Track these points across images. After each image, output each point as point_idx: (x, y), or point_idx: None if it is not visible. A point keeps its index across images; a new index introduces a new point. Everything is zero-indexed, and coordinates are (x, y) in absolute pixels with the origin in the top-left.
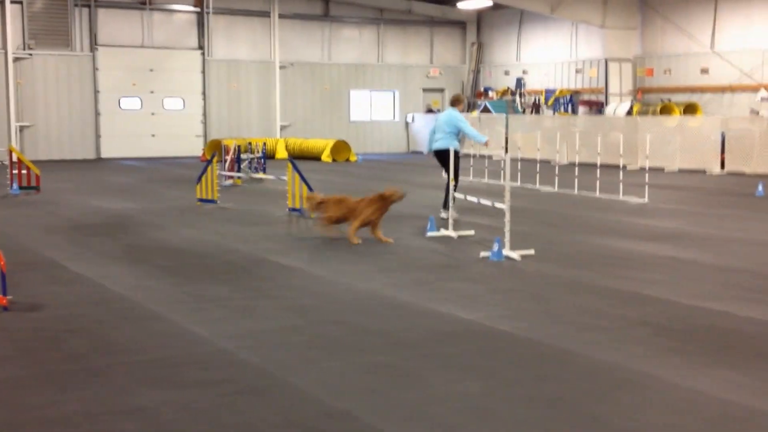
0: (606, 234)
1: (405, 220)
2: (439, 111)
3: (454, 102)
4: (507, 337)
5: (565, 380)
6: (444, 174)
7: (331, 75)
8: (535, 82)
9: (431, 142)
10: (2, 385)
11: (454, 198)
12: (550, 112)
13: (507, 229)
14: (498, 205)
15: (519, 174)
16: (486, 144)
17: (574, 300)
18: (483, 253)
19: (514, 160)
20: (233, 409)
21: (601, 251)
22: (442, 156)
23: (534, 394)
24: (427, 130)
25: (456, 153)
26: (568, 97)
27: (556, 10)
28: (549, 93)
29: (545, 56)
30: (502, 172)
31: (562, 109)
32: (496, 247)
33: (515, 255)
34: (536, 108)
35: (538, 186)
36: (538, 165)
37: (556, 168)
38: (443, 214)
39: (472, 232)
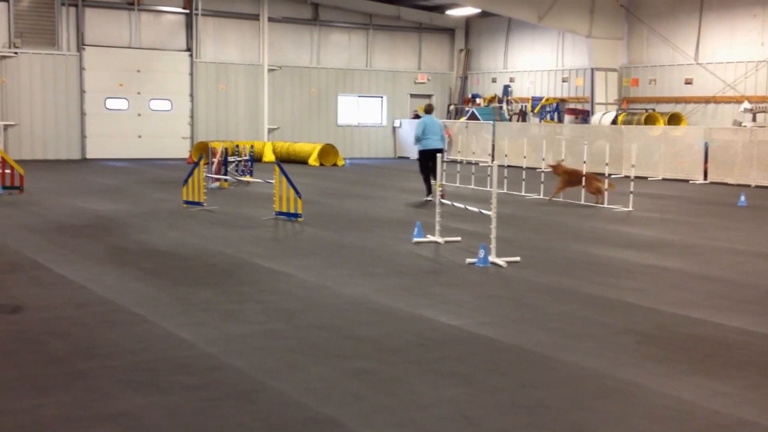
0: (591, 242)
1: (391, 225)
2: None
3: (431, 110)
4: (491, 344)
5: (549, 387)
6: (432, 180)
7: (320, 79)
8: (522, 90)
9: (425, 142)
10: None
11: (433, 188)
12: (537, 119)
13: (493, 235)
14: (484, 211)
15: (505, 181)
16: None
17: (559, 307)
18: (469, 260)
19: (500, 167)
20: (216, 414)
21: (586, 259)
22: (435, 154)
23: (518, 400)
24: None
25: (442, 151)
26: (555, 106)
27: (544, 18)
28: (536, 101)
29: (532, 64)
30: (488, 178)
31: (548, 117)
32: (482, 254)
33: (501, 261)
34: (523, 116)
35: (524, 193)
36: (524, 172)
37: (542, 175)
38: (428, 197)
39: (458, 239)
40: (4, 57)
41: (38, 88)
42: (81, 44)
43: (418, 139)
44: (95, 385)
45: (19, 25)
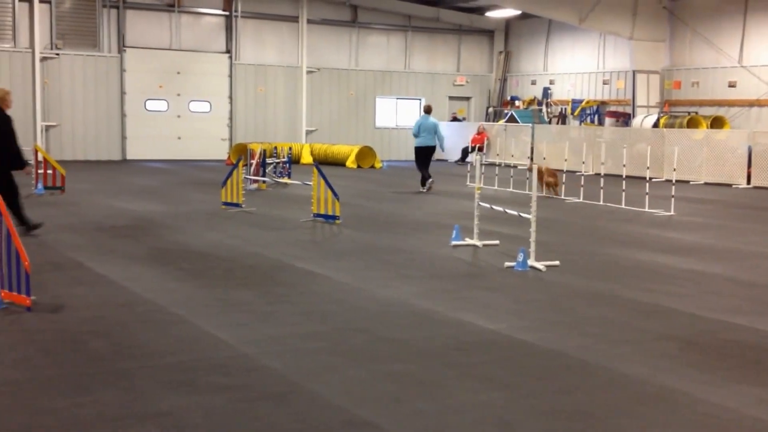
0: (631, 246)
1: (429, 228)
2: (464, 119)
3: (429, 111)
4: (530, 348)
5: (588, 393)
6: (426, 176)
7: (358, 81)
8: (561, 92)
9: (419, 140)
10: (23, 386)
11: (429, 180)
12: (577, 122)
13: (532, 239)
14: (524, 215)
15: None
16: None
17: (599, 312)
18: (507, 263)
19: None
20: (253, 415)
21: (626, 263)
22: (427, 150)
23: (556, 406)
24: (452, 138)
25: (434, 148)
26: (595, 108)
27: (585, 20)
28: (576, 103)
29: (573, 66)
30: (527, 181)
31: (588, 119)
32: (520, 257)
33: (540, 265)
34: (563, 118)
35: (563, 197)
36: (563, 175)
37: (582, 179)
38: (422, 189)
39: (496, 242)
40: (46, 58)
41: (79, 90)
42: (122, 46)
43: (415, 137)
44: (135, 385)
45: (60, 27)
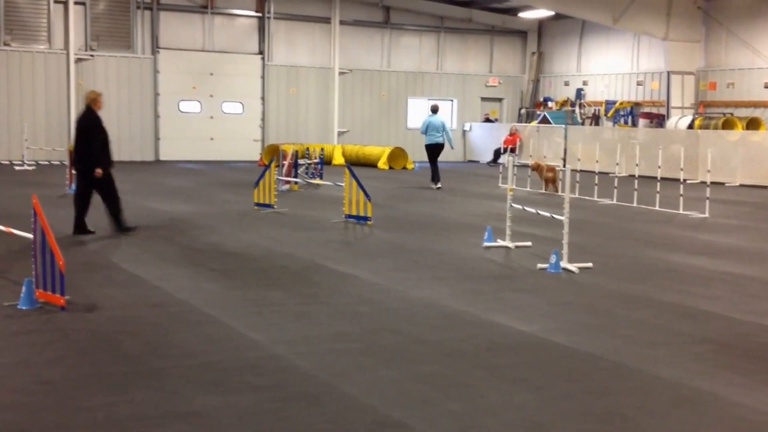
0: (665, 248)
1: (461, 229)
2: (496, 120)
3: (436, 110)
4: (563, 350)
5: (621, 395)
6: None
7: (390, 82)
8: (595, 93)
9: (428, 138)
10: (56, 385)
11: (438, 177)
12: (610, 123)
13: (565, 240)
14: (557, 216)
15: (577, 186)
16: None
17: (632, 314)
18: (540, 265)
19: (572, 172)
20: (285, 415)
21: (660, 265)
22: (436, 148)
23: (589, 408)
24: (484, 139)
25: (443, 145)
26: (629, 109)
27: (619, 21)
28: (609, 104)
29: (606, 67)
30: (560, 183)
31: (622, 121)
32: (553, 259)
33: (573, 267)
34: (596, 119)
35: (596, 198)
36: (596, 177)
37: (616, 180)
38: (433, 185)
39: (529, 244)
40: (80, 59)
41: (113, 91)
42: (155, 47)
43: (423, 135)
44: (167, 384)
45: (95, 28)
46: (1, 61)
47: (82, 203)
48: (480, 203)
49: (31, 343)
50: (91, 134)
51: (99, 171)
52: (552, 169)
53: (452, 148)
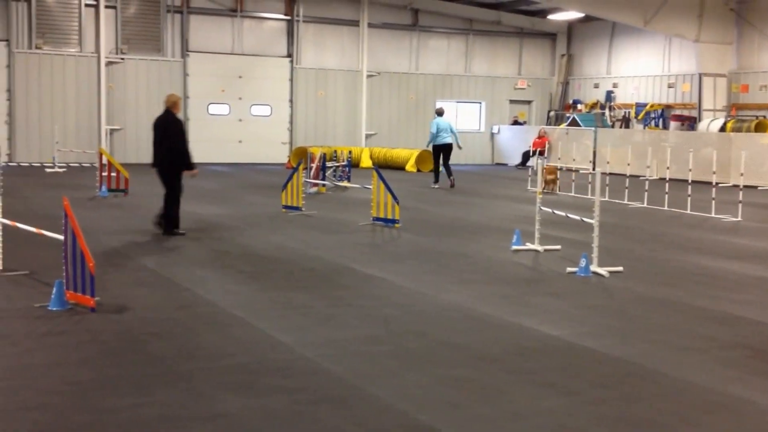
0: (697, 252)
1: (489, 232)
2: (525, 123)
3: (442, 113)
4: (593, 355)
5: (652, 401)
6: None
7: (418, 85)
8: (625, 96)
9: (438, 138)
10: (85, 386)
11: (450, 172)
12: (641, 126)
13: (595, 244)
14: (586, 219)
15: (607, 189)
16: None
17: (664, 319)
18: (569, 269)
19: (602, 175)
20: (313, 418)
21: (691, 270)
22: (448, 147)
23: (620, 414)
24: (512, 142)
25: (452, 145)
26: (660, 112)
27: (650, 23)
28: (640, 107)
29: (636, 69)
30: (589, 186)
31: (652, 123)
32: (583, 263)
33: (603, 271)
34: (626, 122)
35: (626, 201)
36: (627, 180)
37: (646, 183)
38: (434, 185)
39: (558, 247)
40: (111, 63)
41: (143, 94)
42: (185, 50)
43: (433, 136)
44: (195, 386)
45: (126, 32)
46: (32, 64)
47: (172, 200)
48: (508, 206)
49: (61, 344)
50: (174, 135)
51: (190, 171)
52: (553, 170)
53: (460, 148)
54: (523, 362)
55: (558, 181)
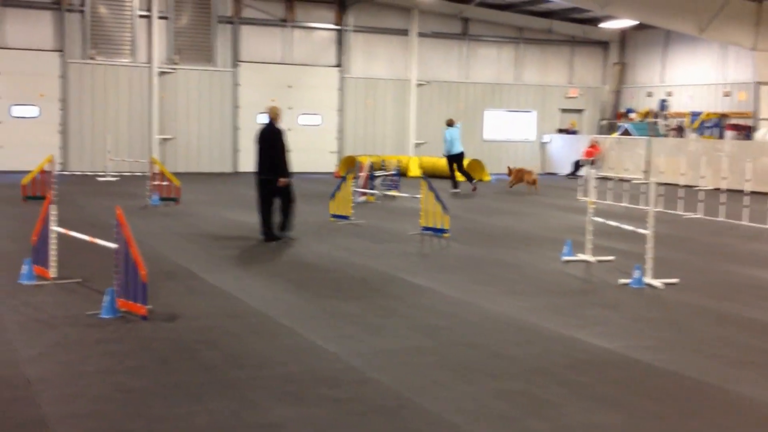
0: (754, 264)
1: (539, 242)
2: (576, 132)
3: (453, 123)
4: (648, 369)
5: (708, 417)
6: (457, 174)
7: (467, 94)
8: (679, 104)
9: (454, 147)
10: (137, 394)
11: (457, 183)
12: (695, 135)
13: (649, 255)
14: (640, 230)
15: (662, 199)
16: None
17: (721, 332)
18: (622, 280)
19: (656, 185)
20: (362, 429)
21: (749, 282)
22: (460, 156)
23: (676, 429)
24: (563, 151)
25: (463, 153)
26: (715, 121)
27: (705, 30)
28: (694, 116)
29: (691, 78)
30: (642, 196)
31: (707, 132)
32: (636, 274)
33: (657, 283)
34: (680, 131)
35: (681, 212)
36: (681, 190)
37: (701, 194)
38: (455, 190)
39: (611, 258)
40: (163, 72)
41: (194, 103)
42: (236, 60)
43: (450, 145)
44: (245, 395)
45: (178, 42)
46: (86, 74)
47: (265, 211)
48: (558, 216)
49: (113, 352)
50: (276, 146)
51: (284, 180)
52: (530, 173)
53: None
54: (576, 375)
55: (537, 181)
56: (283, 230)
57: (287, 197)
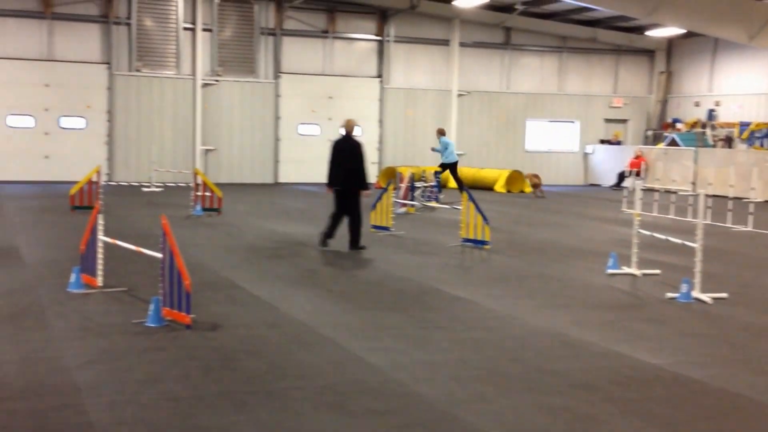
0: None
1: (583, 255)
2: (620, 142)
3: (444, 132)
4: (698, 386)
5: None
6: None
7: (509, 104)
8: (728, 114)
9: (452, 156)
10: (183, 402)
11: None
12: (745, 146)
13: (698, 269)
14: (688, 243)
15: (709, 211)
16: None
17: None
18: (669, 294)
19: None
20: None
21: None
22: (456, 164)
23: None
24: (607, 162)
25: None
26: (765, 131)
27: (755, 38)
28: (744, 126)
29: (740, 87)
30: (689, 208)
31: (758, 143)
32: (684, 288)
33: (706, 297)
34: (729, 141)
35: (730, 225)
36: (730, 202)
37: (751, 206)
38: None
39: (657, 271)
40: (206, 84)
41: (237, 114)
42: (277, 72)
43: (450, 154)
44: (288, 405)
45: (221, 54)
46: (131, 86)
47: (335, 220)
48: (603, 228)
49: (158, 360)
50: (357, 158)
51: (367, 192)
52: (536, 176)
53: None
54: (623, 392)
55: (541, 184)
56: (352, 247)
57: (355, 213)
